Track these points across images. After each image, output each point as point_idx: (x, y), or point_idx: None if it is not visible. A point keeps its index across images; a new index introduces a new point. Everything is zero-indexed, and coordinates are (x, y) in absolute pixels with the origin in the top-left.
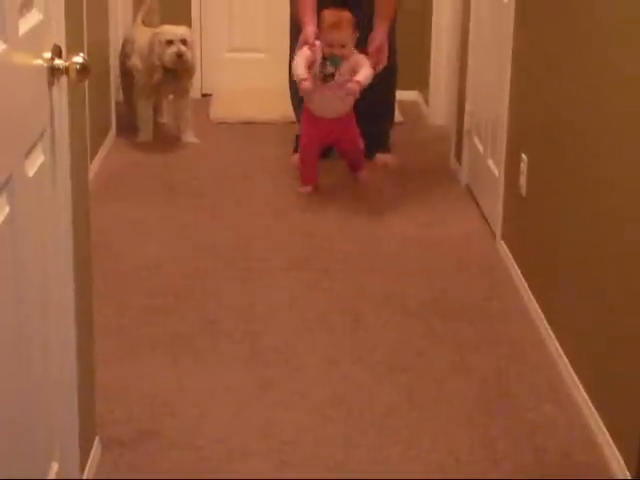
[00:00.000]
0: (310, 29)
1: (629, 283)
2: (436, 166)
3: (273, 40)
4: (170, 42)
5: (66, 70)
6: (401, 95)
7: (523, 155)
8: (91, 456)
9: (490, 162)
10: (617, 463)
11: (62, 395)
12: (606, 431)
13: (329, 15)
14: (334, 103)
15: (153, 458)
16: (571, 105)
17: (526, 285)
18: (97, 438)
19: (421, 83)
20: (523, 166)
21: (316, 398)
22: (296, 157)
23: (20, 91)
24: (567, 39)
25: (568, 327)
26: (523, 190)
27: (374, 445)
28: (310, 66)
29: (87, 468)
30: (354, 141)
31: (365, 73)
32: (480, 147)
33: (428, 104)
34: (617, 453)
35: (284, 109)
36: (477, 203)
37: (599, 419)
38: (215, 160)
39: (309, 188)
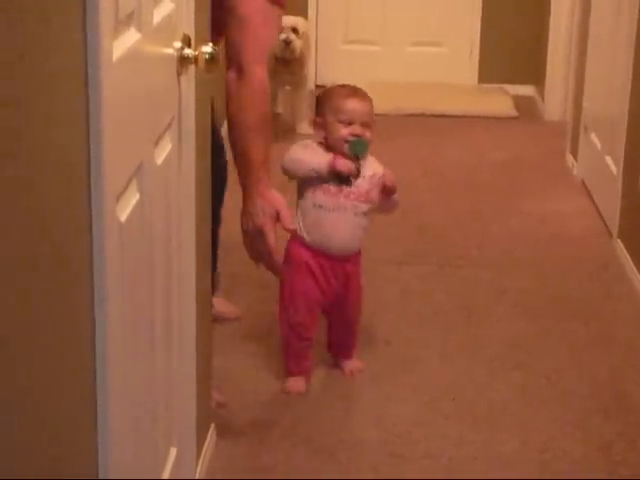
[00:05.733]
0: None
1: None
2: (551, 162)
3: (389, 32)
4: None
5: (195, 60)
6: (516, 89)
7: None
8: (206, 443)
9: (608, 159)
10: None
11: (181, 382)
12: None
13: (338, 87)
14: (349, 225)
15: (267, 447)
16: None
17: None
18: (212, 426)
19: (537, 78)
20: None
21: (428, 393)
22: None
23: (152, 80)
24: None
25: None
26: None
27: (486, 442)
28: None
29: (203, 455)
30: (358, 297)
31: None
32: (598, 143)
33: (544, 99)
34: None
35: (398, 101)
36: (593, 200)
37: None
38: None
39: (301, 383)
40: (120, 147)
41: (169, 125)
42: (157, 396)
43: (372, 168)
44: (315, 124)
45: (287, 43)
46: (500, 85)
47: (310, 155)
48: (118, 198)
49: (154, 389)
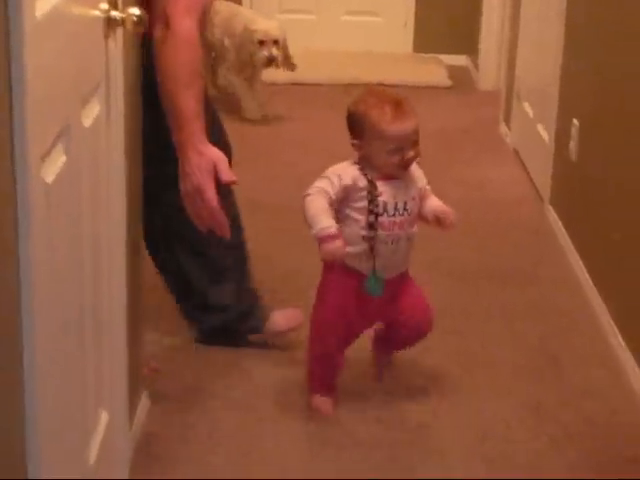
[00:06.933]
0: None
1: None
2: (485, 130)
3: (324, 1)
4: (262, 43)
5: (122, 22)
6: (450, 59)
7: (574, 120)
8: (139, 409)
9: (540, 127)
10: None
11: (111, 345)
12: None
13: (374, 103)
14: (404, 251)
15: (200, 413)
16: (625, 70)
17: (575, 251)
18: (145, 392)
19: (471, 48)
20: (574, 131)
21: (364, 360)
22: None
23: (78, 40)
24: (622, 3)
25: (617, 293)
26: (573, 155)
27: (422, 409)
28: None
29: (135, 420)
30: (423, 297)
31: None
32: (530, 112)
33: (478, 69)
34: None
35: (332, 70)
36: (525, 168)
37: None
38: (267, 123)
39: (328, 405)
40: (44, 107)
41: (97, 87)
42: (86, 359)
43: (415, 185)
44: (353, 145)
45: (270, 60)
46: (435, 55)
47: (320, 212)
48: (43, 159)
49: (83, 353)
